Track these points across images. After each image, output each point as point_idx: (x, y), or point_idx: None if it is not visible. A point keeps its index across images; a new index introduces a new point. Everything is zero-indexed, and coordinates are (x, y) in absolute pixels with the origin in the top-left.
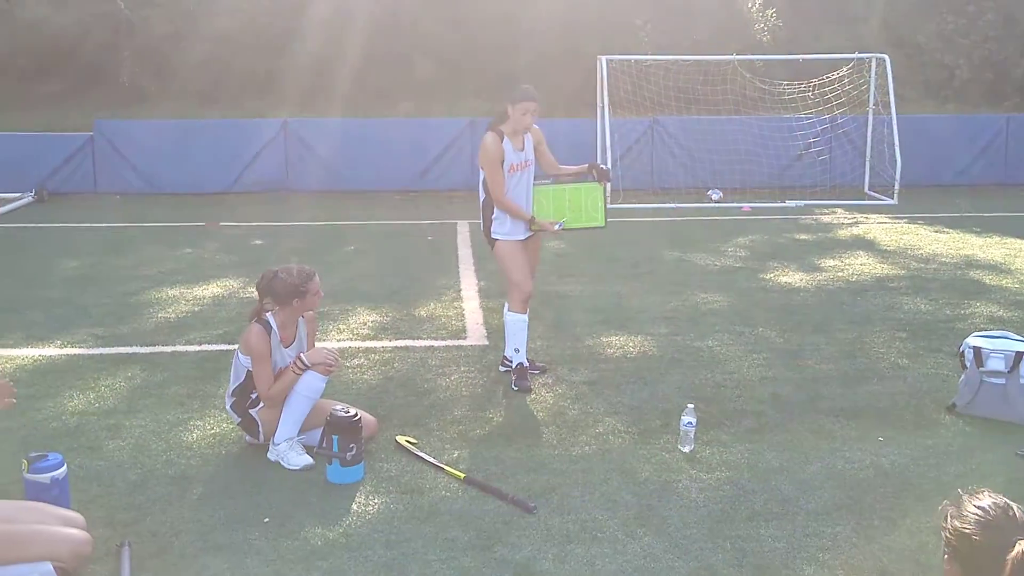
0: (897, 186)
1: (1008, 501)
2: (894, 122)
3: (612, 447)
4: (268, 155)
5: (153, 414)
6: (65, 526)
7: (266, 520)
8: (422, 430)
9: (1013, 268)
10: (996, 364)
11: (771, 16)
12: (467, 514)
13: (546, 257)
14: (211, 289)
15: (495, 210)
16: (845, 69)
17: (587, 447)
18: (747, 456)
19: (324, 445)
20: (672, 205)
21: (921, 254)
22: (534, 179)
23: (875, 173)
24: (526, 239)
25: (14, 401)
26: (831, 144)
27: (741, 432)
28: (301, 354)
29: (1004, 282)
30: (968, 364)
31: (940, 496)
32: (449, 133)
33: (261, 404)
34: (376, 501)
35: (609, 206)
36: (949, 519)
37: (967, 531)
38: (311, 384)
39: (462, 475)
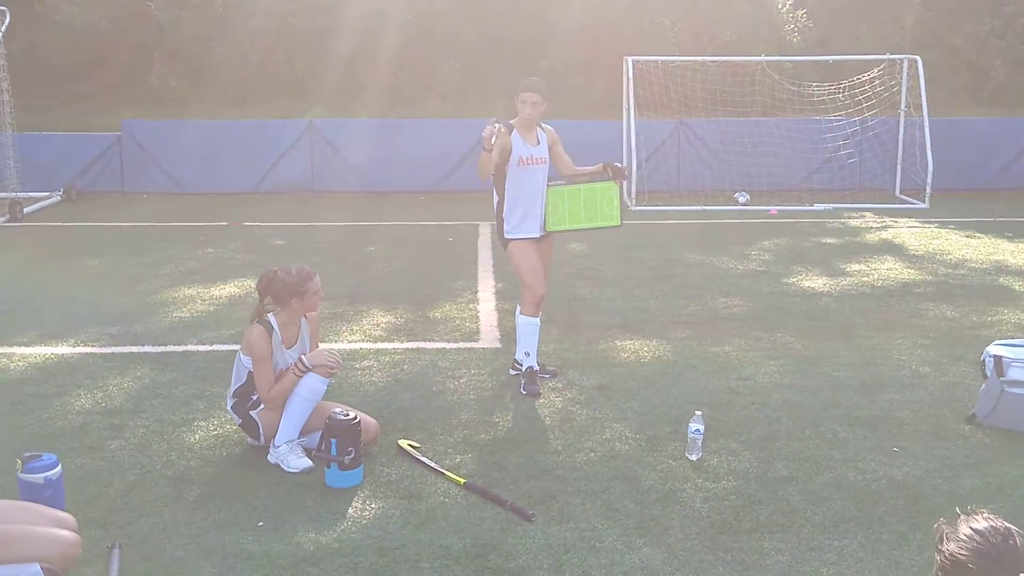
0: (928, 190)
1: (1008, 526)
2: (926, 124)
3: (618, 454)
4: (294, 156)
5: (158, 414)
6: (56, 527)
7: (260, 524)
8: (426, 434)
9: None
10: (1018, 374)
11: (801, 17)
12: (464, 521)
13: (566, 259)
14: (228, 289)
15: (507, 209)
16: (876, 71)
17: (592, 453)
18: (756, 465)
19: (323, 448)
20: (698, 208)
21: (950, 259)
22: (549, 180)
23: (906, 176)
24: (539, 239)
25: None
26: (861, 147)
27: (752, 440)
28: (302, 356)
29: None
30: (989, 373)
31: (953, 511)
32: (475, 134)
33: (262, 405)
34: (373, 506)
35: (634, 208)
36: (944, 541)
37: (962, 558)
38: (312, 386)
39: (462, 481)
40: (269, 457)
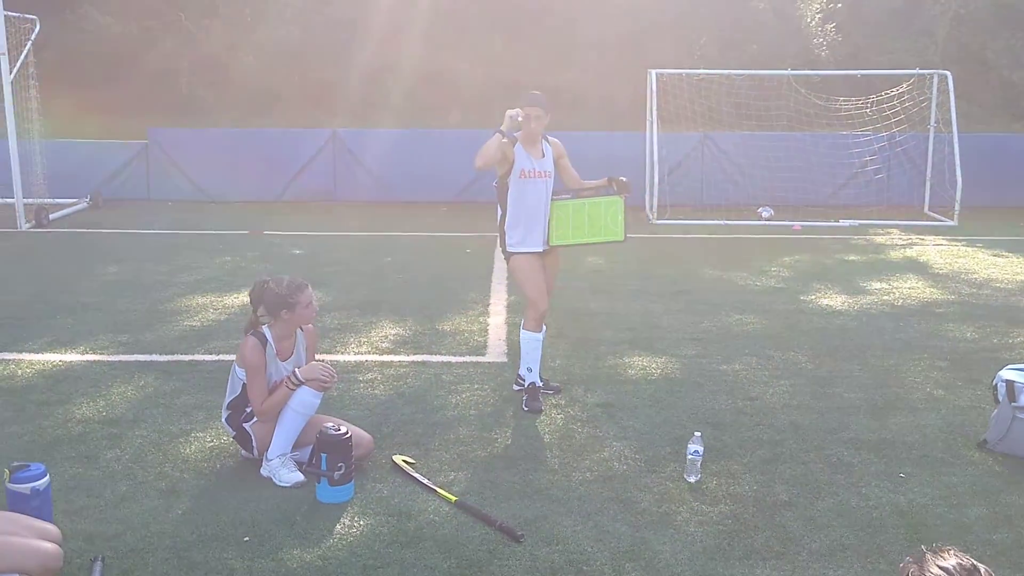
0: (957, 207)
1: (976, 564)
2: (955, 140)
3: (615, 474)
4: (317, 165)
5: (157, 424)
6: (39, 538)
7: (246, 539)
8: (422, 449)
9: None
10: None
11: (830, 30)
12: (452, 540)
13: (582, 273)
14: (241, 298)
15: (509, 223)
16: (905, 85)
17: (588, 473)
18: (755, 488)
19: (313, 463)
20: (720, 222)
21: (975, 279)
22: (553, 194)
23: (935, 193)
24: (543, 252)
25: None
26: (889, 162)
27: (753, 462)
28: (295, 369)
29: None
30: (1001, 399)
31: (956, 541)
32: None
33: (256, 418)
34: (361, 523)
35: (656, 222)
36: None
37: None
38: (305, 400)
39: (454, 499)
40: (262, 470)
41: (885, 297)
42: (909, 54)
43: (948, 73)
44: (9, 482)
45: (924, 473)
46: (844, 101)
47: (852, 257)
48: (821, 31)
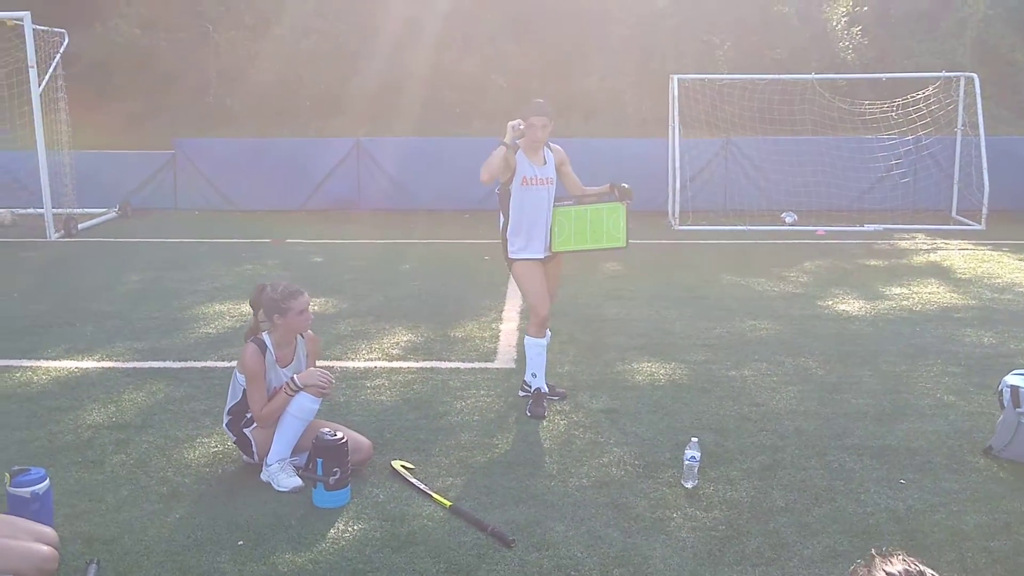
0: (985, 211)
1: (923, 569)
2: (982, 144)
3: (612, 479)
4: (340, 174)
5: (164, 430)
6: (36, 541)
7: (240, 543)
8: (423, 455)
9: None
10: None
11: (856, 34)
12: (443, 545)
13: (599, 279)
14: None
15: (510, 230)
16: (931, 88)
17: (585, 479)
18: (752, 494)
19: (309, 468)
20: (743, 228)
21: (997, 283)
22: (556, 200)
23: (963, 197)
24: (544, 259)
25: None
26: (915, 166)
27: (753, 468)
28: (294, 375)
29: None
30: (1006, 404)
31: (952, 547)
32: None
33: (256, 424)
34: (355, 527)
35: (677, 228)
36: None
37: None
38: (303, 406)
39: (449, 504)
40: (261, 475)
41: (904, 302)
42: (936, 57)
43: (975, 75)
44: (9, 486)
45: (925, 479)
46: (869, 105)
47: (874, 262)
48: (847, 34)
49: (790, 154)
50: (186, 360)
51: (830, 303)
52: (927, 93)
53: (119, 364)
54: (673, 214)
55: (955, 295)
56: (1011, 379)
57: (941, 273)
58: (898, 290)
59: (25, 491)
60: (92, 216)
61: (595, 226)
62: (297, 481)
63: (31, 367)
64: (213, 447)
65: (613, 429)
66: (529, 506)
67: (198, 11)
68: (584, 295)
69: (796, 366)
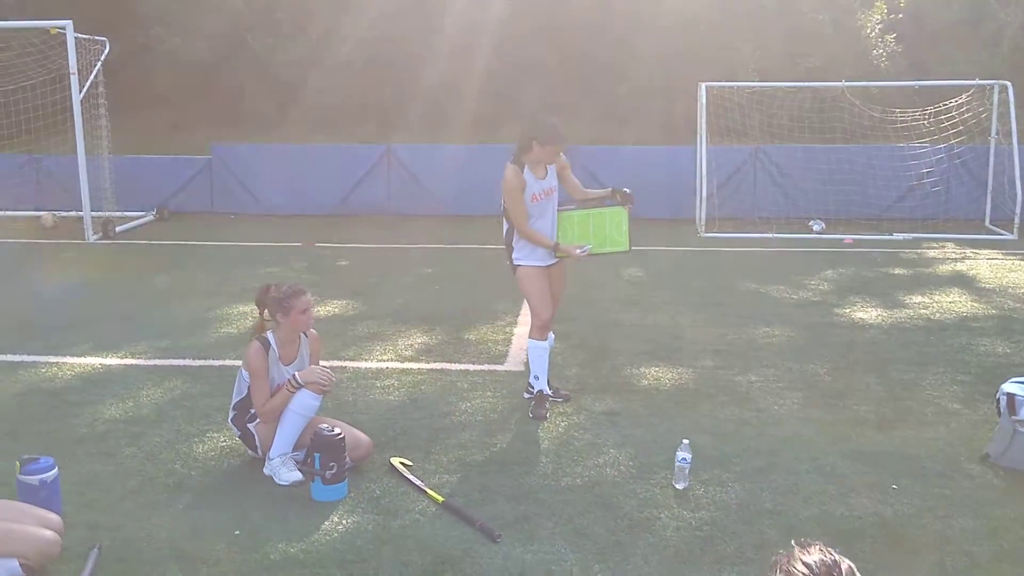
0: (1017, 220)
1: (838, 559)
2: (1015, 153)
3: (604, 479)
4: (372, 180)
5: (177, 425)
6: (41, 526)
7: (237, 532)
8: (422, 452)
9: None
10: None
11: (890, 41)
12: (431, 539)
13: (617, 284)
14: None
15: (516, 237)
16: (965, 96)
17: (579, 478)
18: (742, 497)
19: (308, 462)
20: (769, 235)
21: (1021, 293)
22: (559, 205)
23: (996, 206)
24: (549, 266)
25: None
26: (947, 175)
27: (746, 472)
28: (295, 373)
29: None
30: (1002, 411)
31: (934, 551)
32: None
33: (259, 419)
34: (348, 520)
35: (703, 235)
36: (777, 572)
37: None
38: (304, 402)
39: (441, 499)
40: (264, 469)
41: (923, 311)
42: (973, 65)
43: (1008, 83)
44: (20, 473)
45: (917, 485)
46: (901, 113)
47: (898, 271)
48: (881, 42)
49: (820, 162)
50: (205, 359)
51: (847, 311)
52: (960, 101)
53: (140, 361)
54: (699, 221)
55: (976, 304)
56: (1008, 387)
57: (965, 282)
58: (918, 299)
59: (34, 479)
60: (130, 219)
61: (598, 231)
62: (297, 475)
63: (57, 363)
64: (222, 442)
65: (612, 431)
66: (520, 503)
67: (236, 19)
68: (602, 300)
69: (803, 372)
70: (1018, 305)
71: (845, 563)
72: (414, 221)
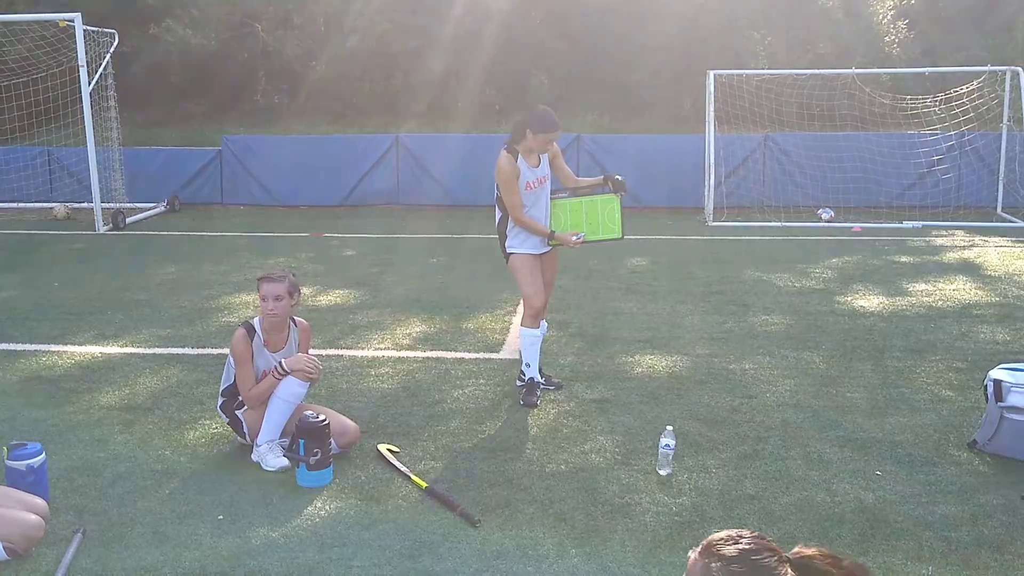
0: None
1: (756, 548)
2: None
3: (589, 466)
4: (380, 170)
5: (171, 412)
6: (25, 510)
7: (220, 517)
8: (411, 439)
9: None
10: (1017, 399)
11: (902, 27)
12: (411, 523)
13: (621, 274)
14: None
15: (511, 225)
16: (976, 83)
17: (563, 465)
18: (725, 483)
19: (292, 448)
20: (777, 224)
21: None
22: (551, 192)
23: (1008, 193)
24: (542, 254)
25: None
26: (959, 162)
27: (730, 458)
28: (282, 360)
29: None
30: (989, 398)
31: (912, 537)
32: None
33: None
34: (331, 506)
35: (711, 223)
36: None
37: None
38: (291, 389)
39: (424, 485)
40: (252, 456)
41: (925, 299)
42: (986, 51)
43: (1020, 69)
44: (7, 459)
45: (902, 472)
46: (911, 100)
47: (904, 259)
48: (893, 28)
49: (830, 150)
50: (204, 347)
51: (848, 299)
52: (972, 88)
53: (140, 350)
54: (707, 210)
55: (979, 292)
56: (996, 373)
57: (970, 270)
58: (921, 286)
59: (21, 464)
60: (141, 210)
61: (591, 218)
62: (284, 461)
63: (58, 351)
64: (213, 429)
65: (601, 418)
66: (502, 488)
67: (247, 12)
68: (603, 289)
69: (798, 360)
70: (1022, 292)
71: (744, 540)
72: (422, 211)
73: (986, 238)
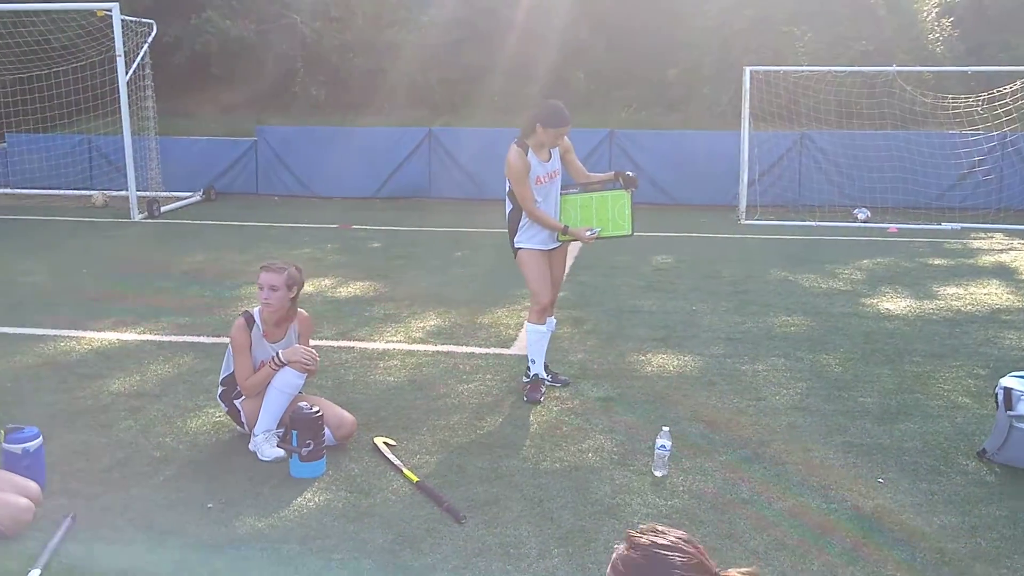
0: None
1: (668, 544)
2: None
3: (584, 465)
4: (412, 163)
5: (177, 400)
6: (16, 493)
7: (209, 506)
8: (409, 433)
9: None
10: None
11: (947, 25)
12: (396, 518)
13: (643, 270)
14: (304, 287)
15: (522, 220)
16: (1020, 83)
17: (558, 463)
18: (719, 486)
19: (285, 439)
20: (811, 223)
21: None
22: (562, 188)
23: None
24: (551, 250)
25: None
26: (1000, 163)
27: (729, 461)
28: (279, 351)
29: None
30: (999, 406)
31: (906, 547)
32: (590, 143)
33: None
34: (320, 497)
35: (743, 222)
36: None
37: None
38: (288, 380)
39: (416, 479)
40: (249, 445)
41: (954, 302)
42: None
43: None
44: (4, 442)
45: (905, 480)
46: (953, 99)
47: (938, 261)
48: (937, 26)
49: (868, 149)
50: (220, 336)
51: (874, 301)
52: (1015, 87)
53: (156, 337)
54: (740, 208)
55: (1011, 296)
56: (1007, 380)
57: (1005, 274)
58: (952, 290)
59: (17, 447)
60: (177, 199)
61: (601, 214)
62: (279, 452)
63: (76, 337)
64: (216, 417)
65: (603, 417)
66: (493, 485)
67: (287, 3)
68: (623, 286)
69: (814, 362)
70: None
71: (671, 536)
72: (452, 204)
73: None
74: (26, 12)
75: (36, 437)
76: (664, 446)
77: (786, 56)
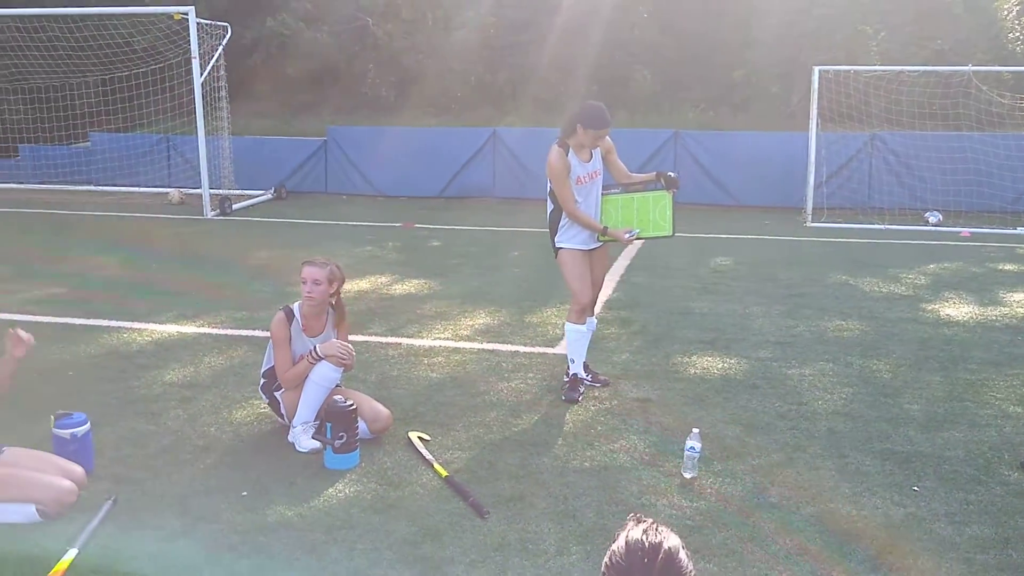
0: None
1: (662, 539)
2: None
3: (614, 464)
4: (477, 163)
5: (226, 391)
6: (62, 476)
7: (244, 494)
8: (445, 428)
9: None
10: None
11: None
12: (422, 511)
13: (700, 272)
14: (361, 284)
15: (563, 220)
16: None
17: (588, 462)
18: (748, 490)
19: (320, 431)
20: (879, 226)
21: None
22: (603, 188)
23: None
24: (591, 250)
25: (22, 353)
26: None
27: (761, 465)
28: (316, 345)
29: None
30: None
31: (933, 556)
32: (654, 143)
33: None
34: (351, 489)
35: (809, 224)
36: (614, 542)
37: (604, 565)
38: (325, 374)
39: (445, 474)
40: (288, 436)
41: (1019, 310)
42: None
43: None
44: (53, 427)
45: (942, 489)
46: None
47: (1008, 266)
48: (1018, 24)
49: (942, 150)
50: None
51: (935, 306)
52: None
53: (213, 331)
54: (806, 210)
55: None
56: None
57: None
58: (1018, 297)
59: (66, 432)
60: (249, 197)
61: (642, 215)
62: (315, 443)
63: (138, 329)
64: (260, 409)
65: (640, 418)
66: (520, 482)
67: (360, 5)
68: (678, 287)
69: (863, 368)
70: None
71: (670, 547)
72: (516, 204)
73: None
74: (110, 16)
75: (84, 423)
76: (694, 448)
77: (857, 55)
